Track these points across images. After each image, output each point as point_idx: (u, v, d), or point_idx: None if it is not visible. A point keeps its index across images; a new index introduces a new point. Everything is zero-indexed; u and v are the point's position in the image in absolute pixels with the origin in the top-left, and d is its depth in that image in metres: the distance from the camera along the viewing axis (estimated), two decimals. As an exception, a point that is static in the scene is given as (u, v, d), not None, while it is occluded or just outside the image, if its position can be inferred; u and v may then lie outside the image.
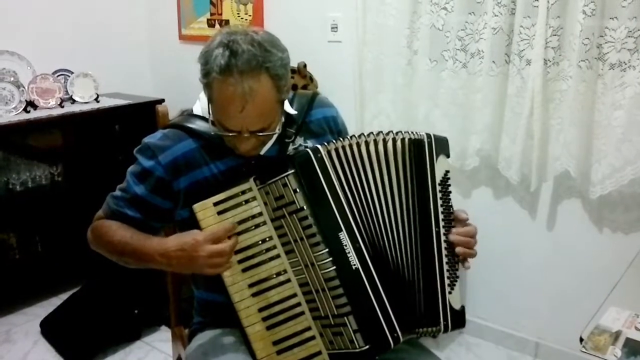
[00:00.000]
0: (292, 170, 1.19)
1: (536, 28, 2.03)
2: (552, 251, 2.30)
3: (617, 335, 1.20)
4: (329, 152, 1.23)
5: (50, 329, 2.59)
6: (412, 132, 1.32)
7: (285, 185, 1.20)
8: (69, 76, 3.02)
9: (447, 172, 1.34)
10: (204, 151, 1.34)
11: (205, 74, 1.20)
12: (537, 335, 2.42)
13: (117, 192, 1.38)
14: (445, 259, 1.30)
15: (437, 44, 2.29)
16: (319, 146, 1.23)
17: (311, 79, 2.64)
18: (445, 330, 1.27)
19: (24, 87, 2.77)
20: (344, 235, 1.18)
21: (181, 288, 1.73)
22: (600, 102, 1.98)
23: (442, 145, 1.35)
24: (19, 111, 2.73)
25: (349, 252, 1.18)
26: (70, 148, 2.90)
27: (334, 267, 1.17)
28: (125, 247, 1.30)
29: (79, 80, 3.02)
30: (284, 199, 1.21)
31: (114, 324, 2.53)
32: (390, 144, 1.28)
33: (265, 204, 1.24)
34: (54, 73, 2.97)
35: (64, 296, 2.80)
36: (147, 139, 1.37)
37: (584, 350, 1.18)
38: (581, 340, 1.20)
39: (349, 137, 1.28)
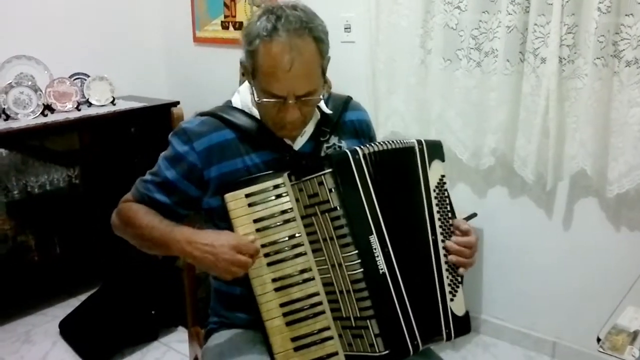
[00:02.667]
0: (330, 170, 1.19)
1: (551, 26, 2.01)
2: (568, 250, 2.28)
3: (635, 335, 1.20)
4: (364, 155, 1.23)
5: (68, 330, 2.62)
6: (400, 142, 1.31)
7: (321, 183, 1.19)
8: (85, 80, 3.05)
9: (443, 176, 1.33)
10: (240, 143, 1.34)
11: (250, 42, 1.23)
12: (554, 335, 2.40)
13: (147, 176, 1.38)
14: (445, 266, 1.29)
15: (450, 43, 2.28)
16: (357, 148, 1.23)
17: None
18: (448, 339, 1.26)
19: (41, 91, 2.80)
20: (374, 239, 1.18)
21: (198, 289, 1.74)
22: (616, 100, 1.96)
23: (435, 151, 1.34)
24: (36, 115, 2.76)
25: (377, 256, 1.17)
26: (87, 151, 2.93)
27: (362, 270, 1.17)
28: (152, 232, 1.30)
29: (95, 84, 3.05)
30: (317, 197, 1.20)
31: (131, 324, 2.55)
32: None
33: (297, 200, 1.24)
34: (70, 77, 3.00)
35: (82, 297, 2.83)
36: (184, 124, 1.37)
37: (601, 350, 1.17)
38: (598, 340, 1.19)
39: (385, 142, 1.27)
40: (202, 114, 1.40)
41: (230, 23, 3.12)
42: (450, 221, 1.33)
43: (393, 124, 2.50)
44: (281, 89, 1.23)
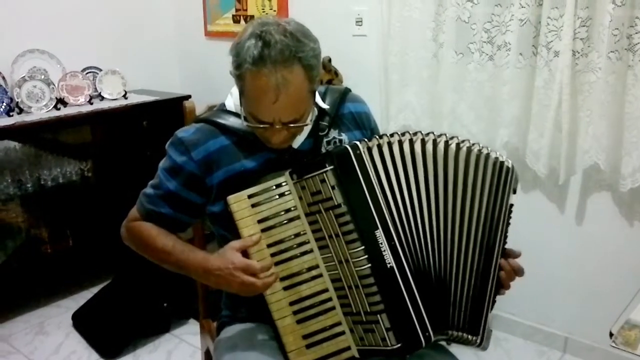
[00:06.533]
0: (331, 167, 1.18)
1: (564, 19, 1.99)
2: (581, 245, 2.27)
3: (648, 330, 1.19)
4: (369, 149, 1.21)
5: (81, 322, 2.64)
6: (494, 151, 1.31)
7: (323, 181, 1.19)
8: (97, 73, 3.06)
9: (512, 205, 1.33)
10: (237, 148, 1.34)
11: (238, 66, 1.20)
12: (566, 330, 2.39)
13: (150, 190, 1.39)
14: (496, 278, 1.30)
15: (463, 36, 2.27)
16: (357, 143, 1.21)
17: (336, 73, 2.64)
18: (480, 344, 1.27)
19: (54, 85, 2.82)
20: (380, 233, 1.17)
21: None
22: (630, 94, 1.94)
23: (516, 179, 1.35)
24: (49, 108, 2.77)
25: (384, 250, 1.17)
26: (99, 144, 2.95)
27: (369, 265, 1.16)
28: (168, 257, 1.33)
29: (107, 77, 3.06)
30: (320, 194, 1.20)
31: (143, 317, 2.57)
32: (469, 152, 1.27)
33: (300, 198, 1.23)
34: (83, 70, 3.01)
35: (94, 289, 2.85)
36: (180, 133, 1.36)
37: (614, 345, 1.16)
38: (611, 335, 1.19)
39: (398, 134, 1.25)
40: (197, 120, 1.40)
41: (241, 17, 3.12)
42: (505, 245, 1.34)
43: (405, 117, 2.49)
44: (267, 116, 1.22)
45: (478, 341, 1.27)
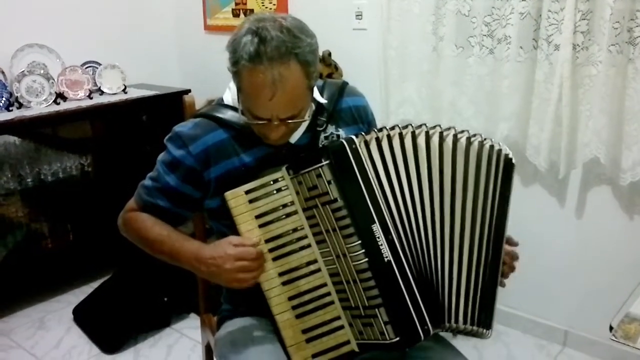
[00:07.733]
0: (327, 161, 1.18)
1: (565, 12, 1.99)
2: (581, 239, 2.27)
3: (647, 323, 1.19)
4: (366, 142, 1.20)
5: (82, 316, 2.65)
6: (505, 146, 1.32)
7: (319, 175, 1.19)
8: (97, 68, 3.06)
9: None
10: (235, 142, 1.34)
11: (234, 62, 1.20)
12: (566, 323, 2.40)
13: (148, 182, 1.39)
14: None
15: (463, 29, 2.26)
16: (353, 137, 1.20)
17: (336, 67, 2.64)
18: (488, 337, 1.29)
19: (53, 79, 2.81)
20: (377, 227, 1.16)
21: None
22: (630, 87, 1.94)
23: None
24: (49, 103, 2.77)
25: (381, 245, 1.16)
26: (99, 139, 2.95)
27: (367, 259, 1.16)
28: (162, 246, 1.33)
29: (107, 72, 3.06)
30: (317, 189, 1.20)
31: (143, 311, 2.58)
32: (467, 144, 1.27)
33: (297, 193, 1.23)
34: (82, 65, 3.01)
35: (95, 284, 2.85)
36: (178, 128, 1.37)
37: (613, 338, 1.17)
38: (611, 328, 1.19)
39: (399, 126, 1.24)
40: (195, 115, 1.40)
41: (241, 10, 3.11)
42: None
43: (404, 111, 2.48)
44: (264, 113, 1.22)
45: (490, 334, 1.27)
